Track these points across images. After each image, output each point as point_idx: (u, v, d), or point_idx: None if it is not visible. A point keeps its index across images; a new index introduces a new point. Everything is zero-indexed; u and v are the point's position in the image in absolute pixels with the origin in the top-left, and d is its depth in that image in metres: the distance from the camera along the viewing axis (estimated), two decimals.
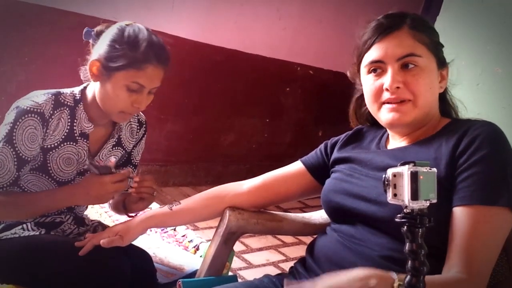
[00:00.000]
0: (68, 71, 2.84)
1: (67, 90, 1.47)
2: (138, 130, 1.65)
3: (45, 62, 2.76)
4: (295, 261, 1.34)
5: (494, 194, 1.01)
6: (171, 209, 1.40)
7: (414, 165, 0.76)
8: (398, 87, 1.12)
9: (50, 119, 1.40)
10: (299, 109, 4.27)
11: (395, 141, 1.24)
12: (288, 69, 4.04)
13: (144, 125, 1.67)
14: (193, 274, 1.70)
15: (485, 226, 1.00)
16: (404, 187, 0.76)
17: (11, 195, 1.41)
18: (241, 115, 3.90)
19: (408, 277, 0.73)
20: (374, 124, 1.32)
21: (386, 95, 1.14)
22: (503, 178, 1.03)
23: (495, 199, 1.01)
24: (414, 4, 3.83)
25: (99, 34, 1.45)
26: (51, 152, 1.44)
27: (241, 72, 3.72)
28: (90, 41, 1.47)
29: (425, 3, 3.50)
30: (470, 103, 1.30)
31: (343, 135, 1.40)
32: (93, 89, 1.47)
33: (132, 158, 1.67)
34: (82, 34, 1.47)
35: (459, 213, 1.02)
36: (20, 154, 1.37)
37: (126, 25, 1.42)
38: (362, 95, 1.30)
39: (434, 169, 0.77)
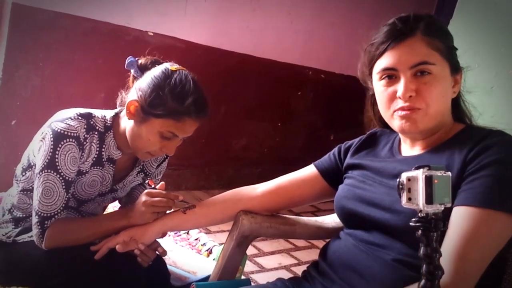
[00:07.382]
0: (82, 75, 2.89)
1: (98, 113, 1.44)
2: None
3: (59, 67, 2.79)
4: (308, 265, 1.34)
5: (499, 198, 0.98)
6: (185, 213, 1.41)
7: (429, 169, 0.75)
8: (410, 96, 1.11)
9: (85, 142, 1.39)
10: (311, 113, 4.27)
11: (408, 148, 1.24)
12: (300, 73, 4.04)
13: None
14: (206, 279, 1.70)
15: (484, 229, 0.96)
16: (419, 191, 0.75)
17: (70, 222, 1.42)
18: (252, 119, 3.91)
19: (423, 281, 0.73)
20: (387, 126, 1.31)
21: (399, 103, 1.13)
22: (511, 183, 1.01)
23: (499, 203, 0.97)
24: (427, 8, 3.81)
25: (143, 69, 1.42)
26: (81, 176, 1.44)
27: (252, 76, 3.73)
28: (132, 71, 1.45)
29: (438, 7, 3.48)
30: (484, 106, 1.28)
31: (356, 140, 1.40)
32: (126, 121, 1.43)
33: (151, 177, 1.66)
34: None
35: (459, 212, 0.99)
36: (66, 178, 1.36)
37: (173, 70, 1.37)
38: (373, 94, 1.29)
39: (449, 173, 0.76)
